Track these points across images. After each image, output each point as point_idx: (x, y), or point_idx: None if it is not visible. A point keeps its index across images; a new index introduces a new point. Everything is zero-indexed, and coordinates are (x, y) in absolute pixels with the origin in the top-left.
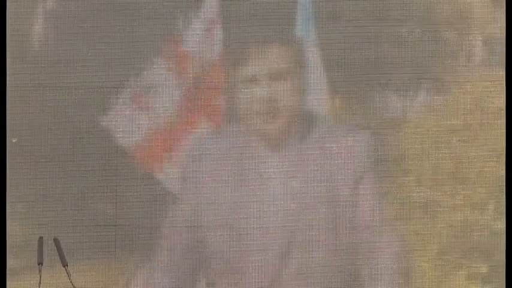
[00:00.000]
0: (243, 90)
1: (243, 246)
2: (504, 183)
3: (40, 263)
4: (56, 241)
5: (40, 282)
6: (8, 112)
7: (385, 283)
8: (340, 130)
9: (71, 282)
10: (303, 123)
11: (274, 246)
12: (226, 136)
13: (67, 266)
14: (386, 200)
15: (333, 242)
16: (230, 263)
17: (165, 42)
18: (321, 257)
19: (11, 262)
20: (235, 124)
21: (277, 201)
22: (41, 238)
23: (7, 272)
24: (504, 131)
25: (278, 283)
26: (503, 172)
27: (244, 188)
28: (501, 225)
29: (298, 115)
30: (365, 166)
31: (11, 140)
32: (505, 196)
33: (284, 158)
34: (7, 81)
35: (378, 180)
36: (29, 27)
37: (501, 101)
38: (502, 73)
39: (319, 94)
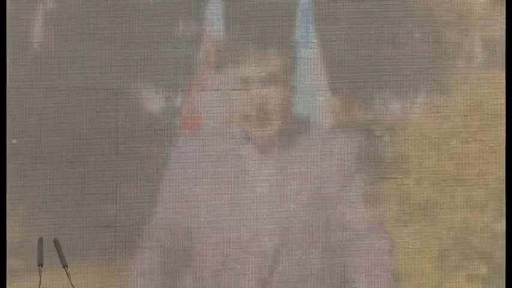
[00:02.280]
0: (234, 92)
1: (232, 248)
2: (504, 184)
3: (40, 264)
4: (56, 242)
5: (40, 283)
6: (8, 113)
7: (375, 284)
8: (329, 132)
9: (70, 283)
10: (293, 127)
11: (263, 250)
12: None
13: (67, 267)
14: (385, 200)
15: (324, 244)
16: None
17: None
18: (311, 259)
19: (11, 263)
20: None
21: (267, 203)
22: (41, 239)
23: (7, 273)
24: (504, 131)
25: (269, 286)
26: (503, 173)
27: (232, 190)
28: (501, 226)
29: (288, 119)
30: (355, 166)
31: (11, 141)
32: (505, 197)
33: (273, 161)
34: (7, 82)
35: (369, 181)
36: (29, 28)
37: (501, 102)
38: (502, 73)
39: (317, 95)
